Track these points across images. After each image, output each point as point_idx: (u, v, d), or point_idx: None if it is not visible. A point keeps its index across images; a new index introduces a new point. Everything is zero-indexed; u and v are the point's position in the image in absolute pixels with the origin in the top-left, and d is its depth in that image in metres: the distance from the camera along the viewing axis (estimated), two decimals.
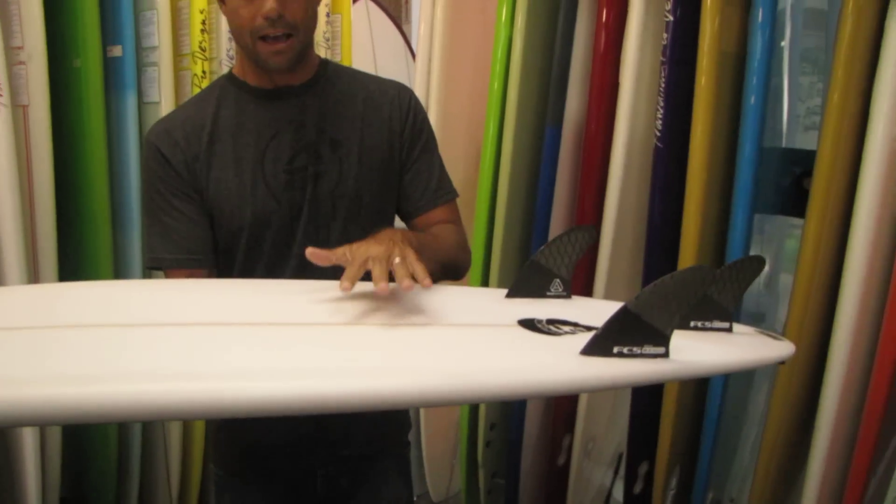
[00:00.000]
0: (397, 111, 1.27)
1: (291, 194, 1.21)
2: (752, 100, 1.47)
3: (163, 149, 1.20)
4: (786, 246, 1.84)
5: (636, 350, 0.80)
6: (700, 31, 1.48)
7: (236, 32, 1.18)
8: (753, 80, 1.46)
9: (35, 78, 1.69)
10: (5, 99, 1.59)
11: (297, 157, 1.21)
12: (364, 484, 1.31)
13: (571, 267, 1.05)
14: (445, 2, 1.98)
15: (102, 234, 1.85)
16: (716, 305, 0.96)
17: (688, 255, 1.54)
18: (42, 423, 1.58)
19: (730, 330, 0.98)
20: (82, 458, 1.94)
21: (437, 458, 2.25)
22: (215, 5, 1.86)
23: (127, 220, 1.88)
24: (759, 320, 1.79)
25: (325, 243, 1.17)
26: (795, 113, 1.78)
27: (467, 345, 0.87)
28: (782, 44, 1.67)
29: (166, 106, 1.86)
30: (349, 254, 0.97)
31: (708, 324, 0.96)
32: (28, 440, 1.66)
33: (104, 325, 0.86)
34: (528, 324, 0.91)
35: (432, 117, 1.98)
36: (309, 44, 1.22)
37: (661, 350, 0.81)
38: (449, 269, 1.21)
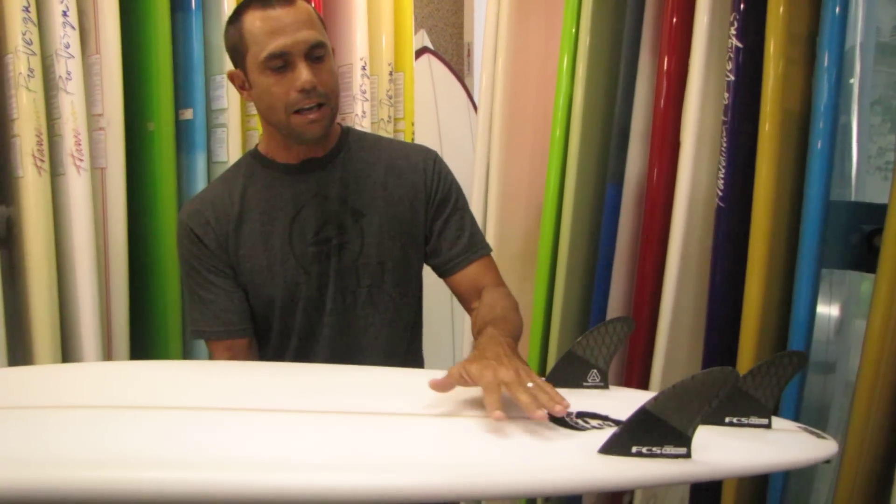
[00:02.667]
0: (422, 178, 1.30)
1: (319, 266, 1.26)
2: (817, 155, 1.44)
3: (195, 229, 1.26)
4: (860, 290, 1.78)
5: (656, 450, 0.79)
6: (762, 91, 1.47)
7: (268, 111, 1.21)
8: (819, 129, 1.43)
9: (112, 142, 1.78)
10: (86, 163, 1.67)
11: (323, 230, 1.26)
12: None
13: (609, 358, 1.05)
14: (506, 55, 1.99)
15: (172, 287, 1.91)
16: (753, 401, 0.93)
17: (751, 314, 1.51)
18: None
19: (768, 426, 0.95)
20: None
21: None
22: None
23: None
24: (829, 370, 1.74)
25: (352, 308, 1.26)
26: (866, 153, 1.72)
27: (490, 438, 0.87)
28: (851, 81, 1.64)
29: None
30: (469, 376, 0.93)
31: (744, 420, 0.94)
32: None
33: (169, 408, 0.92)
34: (557, 417, 0.90)
35: (493, 170, 2.00)
36: (338, 110, 1.25)
37: (682, 450, 0.79)
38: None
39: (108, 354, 1.79)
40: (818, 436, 0.96)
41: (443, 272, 1.33)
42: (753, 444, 0.90)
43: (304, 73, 1.15)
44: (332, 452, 0.82)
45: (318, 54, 1.18)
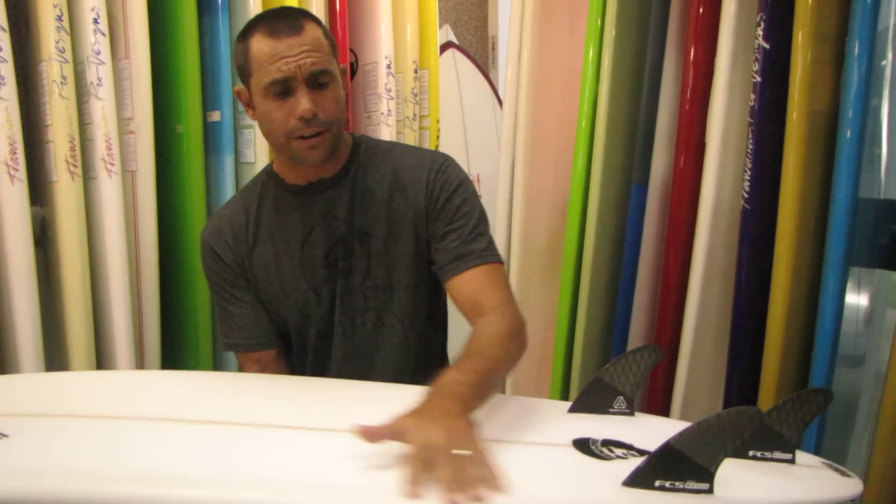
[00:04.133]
0: (423, 191, 1.25)
1: (328, 288, 1.26)
2: (845, 147, 1.41)
3: (216, 248, 1.29)
4: (890, 281, 1.75)
5: (678, 485, 0.80)
6: (789, 90, 1.46)
7: (269, 135, 1.21)
8: (848, 120, 1.40)
9: (142, 145, 1.81)
10: (117, 167, 1.71)
11: (332, 252, 1.26)
12: None
13: (636, 385, 1.06)
14: (531, 48, 1.98)
15: (202, 286, 1.93)
16: (777, 436, 0.94)
17: (777, 315, 1.50)
18: None
19: (792, 461, 0.95)
20: None
21: None
22: None
23: None
24: (857, 364, 1.72)
25: (362, 330, 1.26)
26: None
27: (511, 467, 0.85)
28: (883, 63, 1.60)
29: (261, 166, 1.93)
30: (400, 435, 0.85)
31: (768, 454, 0.94)
32: None
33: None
34: (583, 445, 0.93)
35: (518, 167, 2.00)
36: (342, 135, 1.24)
37: (704, 486, 0.80)
38: (510, 368, 1.14)
39: (140, 351, 1.83)
40: (842, 473, 0.95)
41: (442, 281, 1.26)
42: (776, 479, 0.90)
43: (303, 102, 1.14)
44: (347, 474, 0.83)
45: (321, 81, 1.16)
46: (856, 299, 1.62)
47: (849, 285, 1.53)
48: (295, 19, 1.17)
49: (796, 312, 1.52)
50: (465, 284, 1.21)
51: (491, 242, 1.27)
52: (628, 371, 1.05)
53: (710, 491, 0.80)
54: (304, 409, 1.07)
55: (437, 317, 1.37)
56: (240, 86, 1.25)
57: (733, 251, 1.59)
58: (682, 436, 0.78)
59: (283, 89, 1.15)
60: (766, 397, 1.48)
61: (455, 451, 0.81)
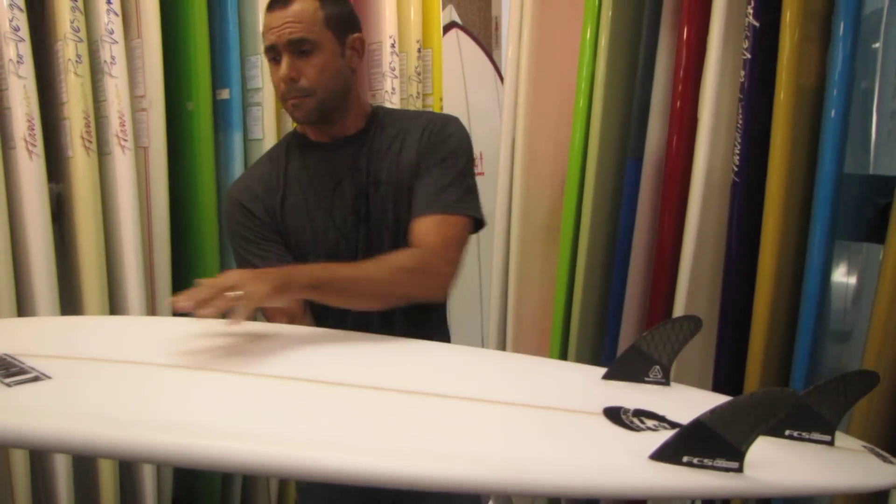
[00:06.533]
0: (418, 139, 1.37)
1: (354, 232, 1.37)
2: (830, 125, 1.45)
3: (246, 203, 1.37)
4: (878, 259, 1.79)
5: (707, 462, 0.77)
6: (777, 69, 1.50)
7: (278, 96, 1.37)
8: (833, 98, 1.44)
9: (154, 122, 1.87)
10: (130, 143, 1.77)
11: (356, 200, 1.37)
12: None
13: (673, 355, 1.03)
14: (531, 28, 2.03)
15: (210, 257, 2.02)
16: (815, 417, 0.89)
17: (765, 285, 1.55)
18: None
19: (831, 443, 0.90)
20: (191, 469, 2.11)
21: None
22: None
23: None
24: (845, 339, 1.77)
25: None
26: (886, 123, 1.71)
27: (540, 432, 0.86)
28: (875, 46, 1.64)
29: (269, 142, 2.01)
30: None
31: (805, 434, 0.89)
32: None
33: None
34: (613, 414, 0.90)
35: (518, 144, 2.04)
36: (336, 99, 1.34)
37: (734, 465, 0.77)
38: (388, 297, 1.27)
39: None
40: (884, 459, 0.91)
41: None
42: (812, 462, 0.86)
43: (283, 68, 1.29)
44: (382, 435, 0.82)
45: (302, 48, 1.29)
46: (844, 276, 1.67)
47: (837, 262, 1.57)
48: None
49: (784, 284, 1.57)
50: (417, 227, 1.31)
51: (464, 197, 1.34)
52: (666, 340, 1.02)
53: (739, 470, 0.77)
54: (356, 366, 1.07)
55: None
56: None
57: (724, 224, 1.64)
58: (713, 413, 0.76)
59: (274, 55, 1.31)
60: (753, 366, 1.54)
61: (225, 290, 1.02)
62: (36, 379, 0.87)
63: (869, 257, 1.80)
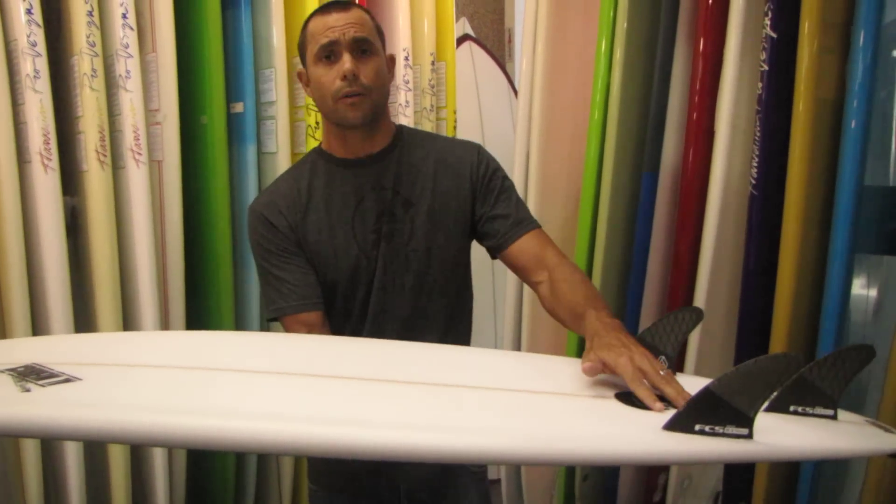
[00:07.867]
0: (468, 170, 1.40)
1: (376, 251, 1.37)
2: (850, 137, 1.44)
3: (269, 217, 1.37)
4: None
5: (718, 429, 0.81)
6: (795, 80, 1.49)
7: (320, 101, 1.35)
8: (853, 110, 1.44)
9: (168, 136, 1.88)
10: (144, 157, 1.77)
11: (379, 219, 1.37)
12: (443, 500, 1.46)
13: (678, 345, 1.06)
14: (545, 40, 2.03)
15: (224, 270, 2.01)
16: (818, 391, 0.92)
17: (784, 299, 1.54)
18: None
19: (834, 417, 0.93)
20: (203, 470, 2.10)
21: (535, 485, 2.29)
22: None
23: (247, 258, 2.03)
24: None
25: (402, 290, 1.38)
26: None
27: (560, 412, 0.92)
28: (894, 54, 1.63)
29: (282, 155, 2.01)
30: (607, 364, 0.99)
31: (809, 409, 0.93)
32: (158, 455, 1.84)
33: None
34: (625, 397, 0.94)
35: (533, 158, 2.05)
36: (382, 106, 1.37)
37: (743, 431, 0.81)
38: None
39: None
40: (885, 429, 0.94)
41: (498, 248, 1.40)
42: (817, 431, 0.90)
43: (346, 62, 1.28)
44: (425, 416, 0.91)
45: (363, 48, 1.31)
46: (864, 289, 1.65)
47: (857, 275, 1.55)
48: (346, 3, 1.34)
49: (803, 298, 1.55)
50: (528, 244, 1.37)
51: (529, 211, 1.44)
52: (670, 331, 1.06)
53: (749, 436, 0.81)
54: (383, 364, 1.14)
55: (467, 287, 1.49)
56: (300, 68, 1.40)
57: (742, 237, 1.62)
58: (720, 381, 0.80)
59: (329, 53, 1.30)
60: None
61: (661, 371, 0.95)
62: (67, 381, 0.93)
63: (890, 270, 1.78)
